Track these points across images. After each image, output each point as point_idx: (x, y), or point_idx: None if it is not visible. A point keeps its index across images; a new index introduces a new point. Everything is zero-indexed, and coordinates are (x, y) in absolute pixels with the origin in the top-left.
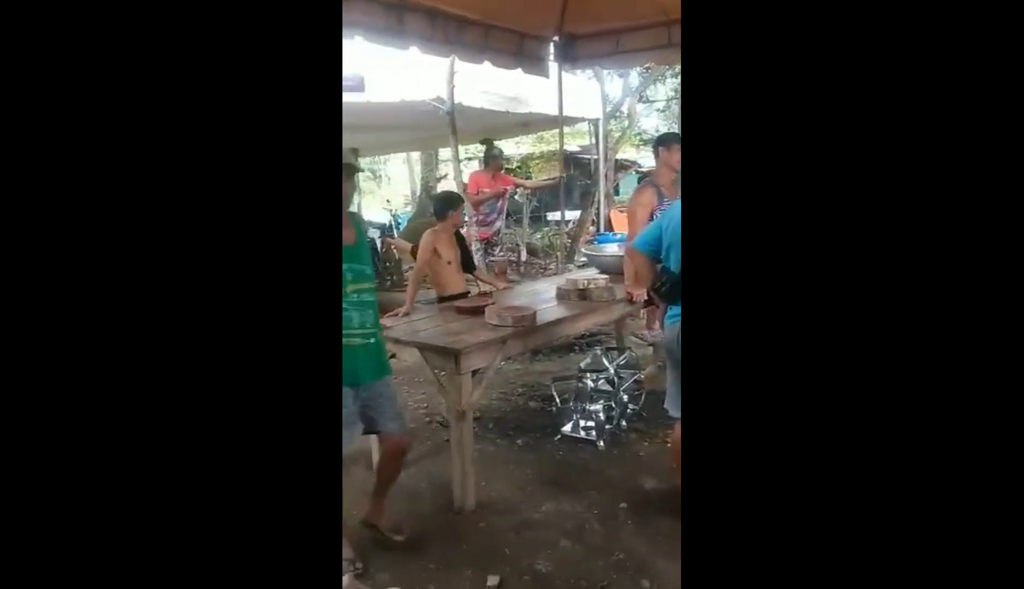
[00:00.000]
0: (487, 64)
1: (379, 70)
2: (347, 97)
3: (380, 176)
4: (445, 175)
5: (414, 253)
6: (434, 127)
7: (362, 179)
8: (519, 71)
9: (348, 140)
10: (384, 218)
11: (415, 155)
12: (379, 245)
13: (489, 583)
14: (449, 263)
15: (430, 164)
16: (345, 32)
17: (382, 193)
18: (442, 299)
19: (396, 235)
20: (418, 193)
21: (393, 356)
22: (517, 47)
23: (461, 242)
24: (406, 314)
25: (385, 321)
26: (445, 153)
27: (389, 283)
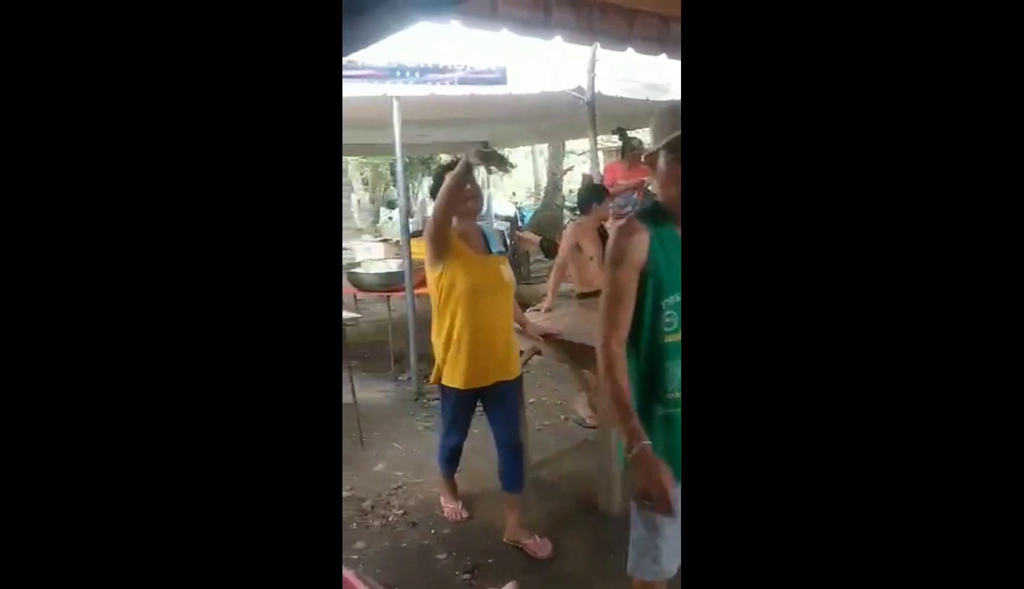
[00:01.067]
0: (630, 51)
1: (521, 61)
2: (489, 90)
3: None
4: (571, 167)
5: (542, 246)
6: (572, 117)
7: (486, 172)
8: (663, 57)
9: (487, 133)
10: (510, 210)
11: (539, 147)
12: (507, 238)
13: None
14: (591, 258)
15: (557, 156)
16: (491, 25)
17: (505, 185)
18: (582, 295)
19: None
20: (544, 185)
21: (539, 353)
22: (662, 32)
23: (605, 237)
24: (548, 310)
25: (527, 316)
26: (571, 145)
27: (517, 277)
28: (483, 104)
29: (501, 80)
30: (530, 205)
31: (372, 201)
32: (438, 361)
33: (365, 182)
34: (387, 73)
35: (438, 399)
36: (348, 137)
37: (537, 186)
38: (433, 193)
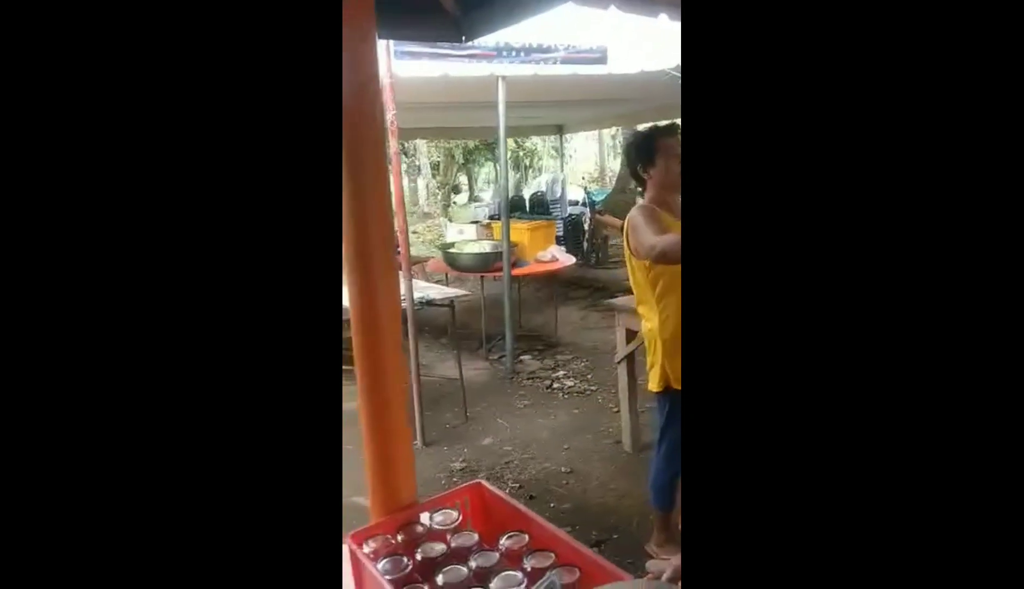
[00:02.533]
0: None
1: (624, 41)
2: (590, 69)
3: (564, 153)
4: None
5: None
6: (668, 97)
7: (547, 156)
8: None
9: (590, 113)
10: (578, 195)
11: (605, 131)
12: (586, 221)
13: None
14: None
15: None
16: (600, 3)
17: (570, 169)
18: None
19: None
20: (607, 169)
21: None
22: None
23: None
24: None
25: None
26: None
27: (594, 261)
28: (586, 83)
29: (602, 60)
30: (595, 189)
31: (443, 186)
32: (659, 360)
33: (435, 167)
34: (495, 53)
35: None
36: (432, 119)
37: (603, 171)
38: (638, 161)
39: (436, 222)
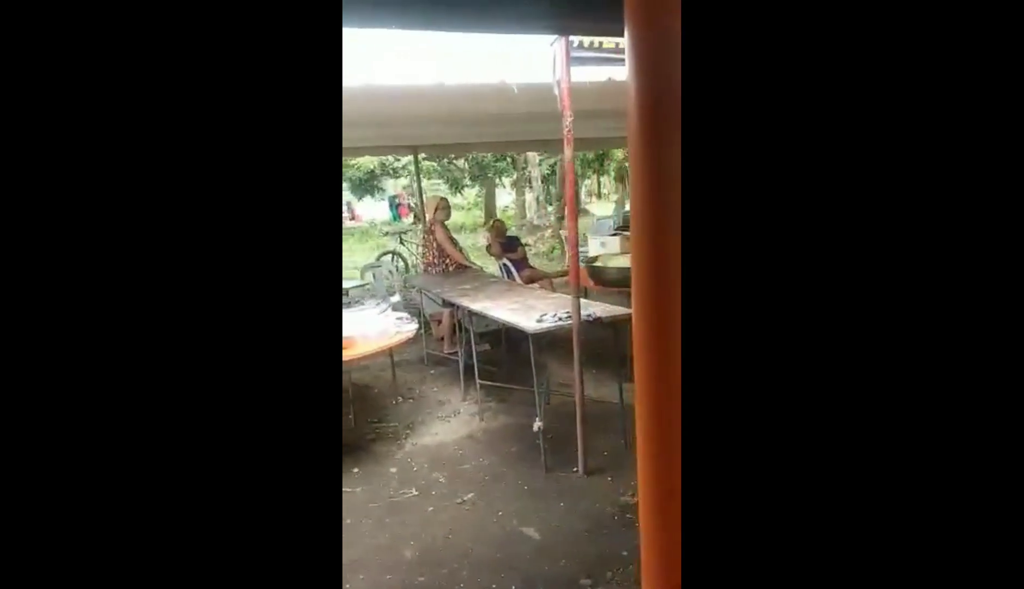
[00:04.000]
0: None
1: None
2: None
3: None
4: None
5: None
6: None
7: None
8: None
9: None
10: None
11: None
12: None
13: None
14: None
15: None
16: None
17: None
18: None
19: None
20: None
21: None
22: None
23: None
24: None
25: None
26: None
27: None
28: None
29: None
30: None
31: (558, 198)
32: None
33: (545, 179)
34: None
35: None
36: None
37: None
38: None
39: (545, 235)
